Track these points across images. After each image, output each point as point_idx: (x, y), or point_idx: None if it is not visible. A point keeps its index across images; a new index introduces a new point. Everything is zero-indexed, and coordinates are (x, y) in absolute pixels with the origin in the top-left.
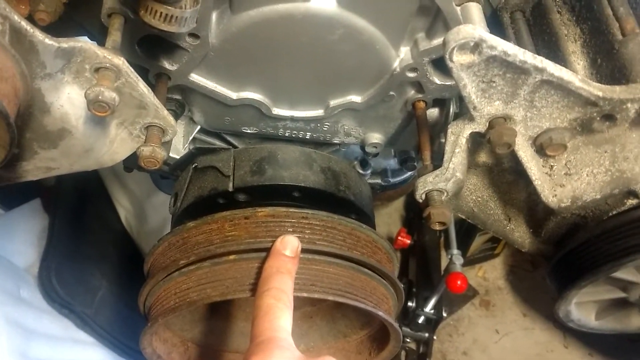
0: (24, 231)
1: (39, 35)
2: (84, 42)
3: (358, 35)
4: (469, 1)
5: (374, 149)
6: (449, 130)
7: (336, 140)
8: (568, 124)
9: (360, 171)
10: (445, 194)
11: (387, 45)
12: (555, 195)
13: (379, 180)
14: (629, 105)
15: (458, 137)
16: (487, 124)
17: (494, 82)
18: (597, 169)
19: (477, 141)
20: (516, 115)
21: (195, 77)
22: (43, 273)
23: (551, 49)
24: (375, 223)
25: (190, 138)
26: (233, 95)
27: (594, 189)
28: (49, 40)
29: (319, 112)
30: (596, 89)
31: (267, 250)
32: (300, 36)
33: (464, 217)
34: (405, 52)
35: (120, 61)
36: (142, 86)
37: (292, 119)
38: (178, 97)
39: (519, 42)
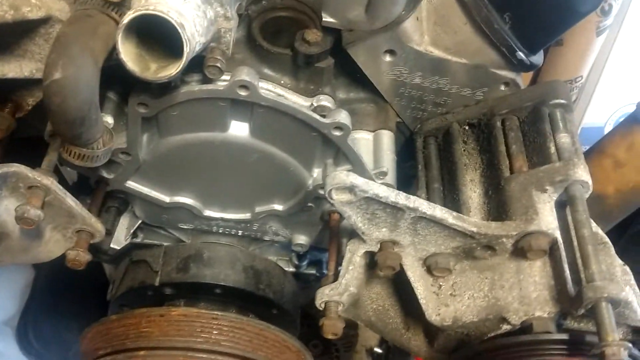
0: (9, 285)
1: None
2: (16, 167)
3: (271, 159)
4: (382, 128)
5: (300, 249)
6: (347, 247)
7: (266, 238)
8: (452, 251)
9: (296, 262)
10: (342, 305)
11: (299, 168)
12: (439, 314)
13: (314, 272)
14: (504, 240)
15: (353, 255)
16: (378, 246)
17: (376, 214)
18: (477, 294)
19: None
20: (403, 240)
21: (131, 184)
22: (21, 327)
23: (452, 175)
24: (298, 318)
25: (132, 230)
26: (166, 199)
27: (472, 313)
28: None
29: (246, 215)
30: (471, 225)
31: (174, 348)
32: (221, 158)
33: (362, 324)
34: (318, 172)
35: (49, 181)
36: (70, 200)
37: (223, 219)
38: (122, 195)
39: (427, 167)
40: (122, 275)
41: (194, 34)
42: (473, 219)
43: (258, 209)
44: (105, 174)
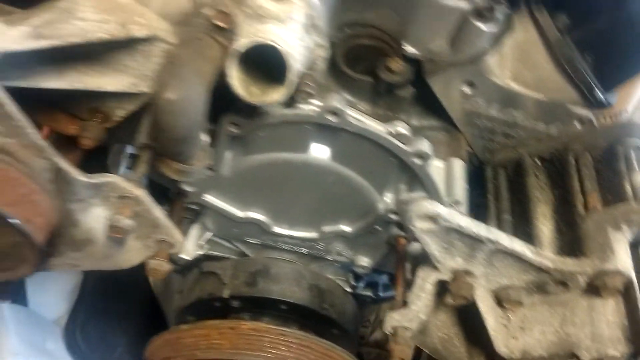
0: (59, 285)
1: (74, 173)
2: (111, 177)
3: (347, 182)
4: (454, 156)
5: (362, 270)
6: (418, 274)
7: (329, 258)
8: (524, 284)
9: (353, 283)
10: (410, 331)
11: (372, 191)
12: (508, 346)
13: (370, 294)
14: (578, 276)
15: (424, 282)
16: (451, 275)
17: (453, 243)
18: (548, 328)
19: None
20: (476, 271)
21: (209, 197)
22: (69, 327)
23: (524, 208)
24: (357, 339)
25: (202, 242)
26: (239, 214)
27: (542, 347)
28: (81, 177)
29: (313, 234)
30: (547, 261)
31: None
32: (299, 177)
33: (427, 351)
34: (390, 197)
35: (141, 193)
36: (157, 212)
37: (290, 237)
38: (195, 207)
39: (497, 197)
40: (191, 285)
41: (297, 62)
42: (550, 255)
43: (326, 229)
44: (186, 187)
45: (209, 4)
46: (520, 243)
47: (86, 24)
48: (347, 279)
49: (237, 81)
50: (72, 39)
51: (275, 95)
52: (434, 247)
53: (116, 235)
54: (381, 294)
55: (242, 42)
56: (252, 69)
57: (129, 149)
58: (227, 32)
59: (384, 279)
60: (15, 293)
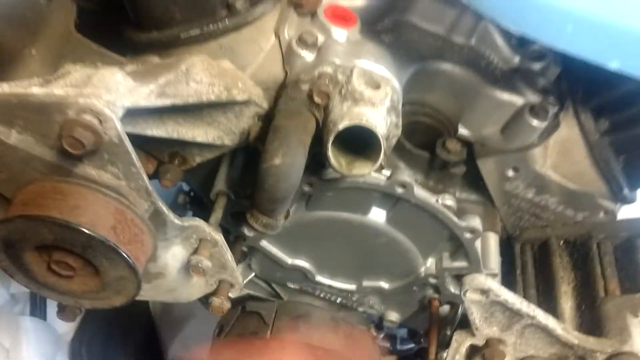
0: None
1: (171, 215)
2: (198, 221)
3: (397, 244)
4: (489, 230)
5: (390, 325)
6: (454, 337)
7: (360, 309)
8: (548, 356)
9: (375, 333)
10: None
11: (417, 255)
12: None
13: (388, 345)
14: (598, 355)
15: (460, 345)
16: (485, 341)
17: (494, 314)
18: None
19: (475, 349)
20: (508, 340)
21: (264, 243)
22: (75, 343)
23: (548, 284)
24: None
25: (245, 281)
26: (288, 260)
27: None
28: (176, 220)
29: (352, 286)
30: (573, 338)
31: None
32: (353, 235)
33: None
34: (431, 262)
35: (220, 237)
36: (229, 255)
37: (330, 287)
38: (244, 248)
39: (523, 272)
40: (232, 322)
41: (386, 143)
42: (576, 333)
43: (365, 283)
44: (246, 232)
45: (308, 81)
46: (554, 320)
47: (200, 86)
48: (369, 328)
49: (331, 153)
50: (190, 99)
51: (364, 170)
52: (476, 316)
53: (196, 274)
54: (398, 347)
55: (344, 121)
56: (339, 142)
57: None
58: (321, 108)
59: (402, 332)
60: (38, 305)
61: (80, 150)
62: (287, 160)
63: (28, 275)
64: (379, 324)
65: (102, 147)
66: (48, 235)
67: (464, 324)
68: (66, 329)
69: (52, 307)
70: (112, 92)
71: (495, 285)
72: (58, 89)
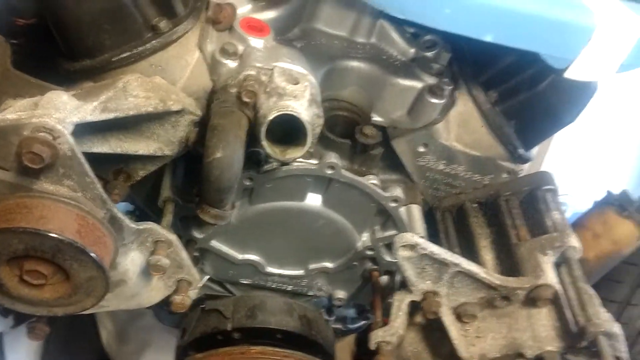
0: (26, 345)
1: (126, 221)
2: (152, 224)
3: (334, 224)
4: (412, 203)
5: (339, 302)
6: (395, 298)
7: (310, 293)
8: (478, 300)
9: (327, 317)
10: (391, 345)
11: (353, 232)
12: (468, 352)
13: (340, 326)
14: (519, 291)
15: (401, 303)
16: (422, 296)
17: (425, 269)
18: (498, 335)
19: (414, 306)
20: (442, 291)
21: (214, 243)
22: None
23: (469, 242)
24: None
25: (200, 285)
26: (239, 256)
27: (495, 350)
28: (132, 224)
29: (300, 272)
30: (495, 279)
31: None
32: (294, 222)
33: None
34: (366, 237)
35: (174, 237)
36: (185, 254)
37: (280, 275)
38: (196, 254)
39: (447, 235)
40: (193, 322)
41: (311, 128)
42: (497, 275)
43: (311, 266)
44: (196, 234)
45: (235, 85)
46: (476, 265)
47: (137, 100)
48: (320, 313)
49: (266, 143)
50: (130, 112)
51: (296, 154)
52: (410, 272)
53: (157, 273)
54: (350, 326)
55: (273, 112)
56: (270, 134)
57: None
58: (250, 106)
59: (351, 313)
60: None
61: (39, 164)
62: (228, 152)
63: (1, 290)
64: (329, 308)
65: (57, 162)
66: (19, 246)
67: (402, 287)
68: None
69: (10, 350)
70: (60, 110)
71: (421, 240)
72: (10, 114)
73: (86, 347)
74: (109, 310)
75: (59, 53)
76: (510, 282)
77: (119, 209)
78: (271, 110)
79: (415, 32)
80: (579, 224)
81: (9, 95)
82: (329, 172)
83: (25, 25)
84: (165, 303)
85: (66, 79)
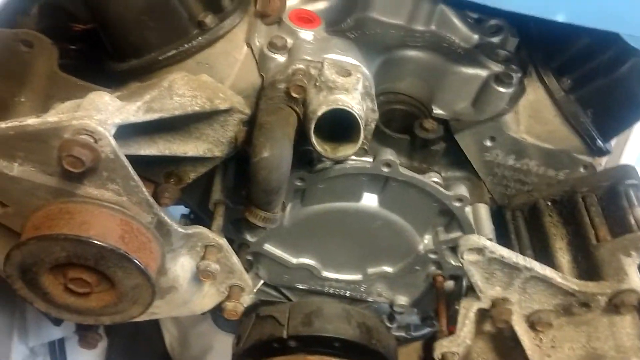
0: (88, 351)
1: (174, 225)
2: (201, 229)
3: (392, 226)
4: (478, 202)
5: (400, 309)
6: (461, 305)
7: (370, 299)
8: (553, 307)
9: (388, 324)
10: (457, 355)
11: (414, 234)
12: None
13: (403, 333)
14: (599, 297)
15: (468, 311)
16: (491, 303)
17: (494, 273)
18: (576, 345)
19: (483, 314)
20: (512, 297)
21: (267, 247)
22: None
23: (543, 244)
24: None
25: (255, 290)
26: (293, 260)
27: None
28: (180, 229)
29: (358, 276)
30: (573, 284)
31: None
32: (349, 224)
33: None
34: (428, 239)
35: (224, 241)
36: (235, 258)
37: (337, 280)
38: (249, 258)
39: (518, 237)
40: (249, 329)
41: (364, 123)
42: (574, 280)
43: (370, 271)
44: (249, 238)
45: (284, 80)
46: (551, 270)
47: (183, 99)
48: (382, 320)
49: (316, 140)
50: (176, 112)
51: (348, 151)
52: (477, 278)
53: (207, 279)
54: (413, 333)
55: (322, 107)
56: (320, 131)
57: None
58: (299, 102)
59: (414, 319)
60: (58, 355)
61: (80, 168)
62: (275, 152)
63: (47, 299)
64: (390, 314)
65: (100, 165)
66: (61, 253)
67: (470, 293)
68: None
69: (72, 357)
70: (102, 112)
71: (489, 243)
72: (52, 117)
73: (148, 352)
74: (165, 316)
75: (107, 54)
76: (590, 287)
77: (172, 214)
78: (321, 105)
79: (478, 17)
80: None
81: (57, 99)
82: (386, 170)
83: (82, 31)
84: (219, 309)
85: (114, 81)
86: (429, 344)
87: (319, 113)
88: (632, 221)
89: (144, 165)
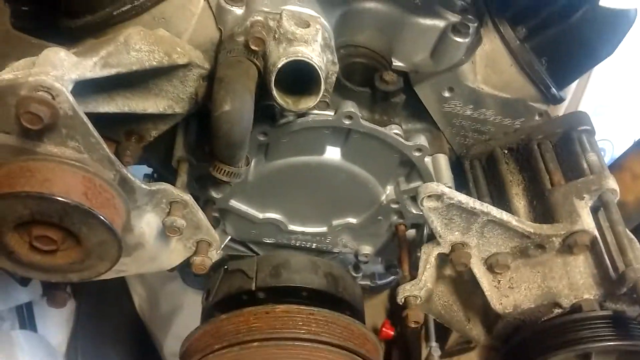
0: (56, 314)
1: (137, 181)
2: (165, 185)
3: (355, 178)
4: (438, 152)
5: (365, 258)
6: (422, 250)
7: (335, 250)
8: (510, 250)
9: (354, 274)
10: (419, 299)
11: (376, 185)
12: (501, 303)
13: (368, 282)
14: (553, 239)
15: (429, 256)
16: (450, 247)
17: (453, 219)
18: (532, 285)
19: (443, 259)
20: (471, 242)
21: (233, 202)
22: (71, 352)
23: (500, 190)
24: (365, 318)
25: (222, 246)
26: (259, 215)
27: (529, 300)
28: (143, 185)
29: (323, 229)
30: (528, 227)
31: (283, 338)
32: (314, 177)
33: (433, 317)
34: (390, 189)
35: (188, 197)
36: (201, 214)
37: (303, 233)
38: (216, 214)
39: (476, 184)
40: (217, 283)
41: (324, 74)
42: (530, 223)
43: (335, 222)
44: (214, 194)
45: (242, 32)
46: (507, 214)
47: (140, 54)
48: (348, 270)
49: (277, 93)
50: (133, 67)
51: (309, 103)
52: (437, 224)
53: (172, 234)
54: (378, 282)
55: (282, 59)
56: (281, 84)
57: None
58: (259, 55)
59: (379, 268)
60: (26, 319)
61: (38, 125)
62: (236, 105)
63: (13, 258)
64: (356, 264)
65: (59, 122)
66: (24, 211)
67: (430, 240)
68: (59, 340)
69: (40, 320)
70: (58, 68)
71: (447, 189)
72: (6, 74)
73: (118, 314)
74: (130, 275)
75: (60, 11)
76: (545, 229)
77: (135, 174)
78: (280, 58)
79: None
80: (616, 165)
81: (12, 59)
82: (347, 122)
83: None
84: (188, 266)
85: (69, 40)
86: (394, 295)
87: (279, 65)
88: (585, 165)
89: (104, 124)
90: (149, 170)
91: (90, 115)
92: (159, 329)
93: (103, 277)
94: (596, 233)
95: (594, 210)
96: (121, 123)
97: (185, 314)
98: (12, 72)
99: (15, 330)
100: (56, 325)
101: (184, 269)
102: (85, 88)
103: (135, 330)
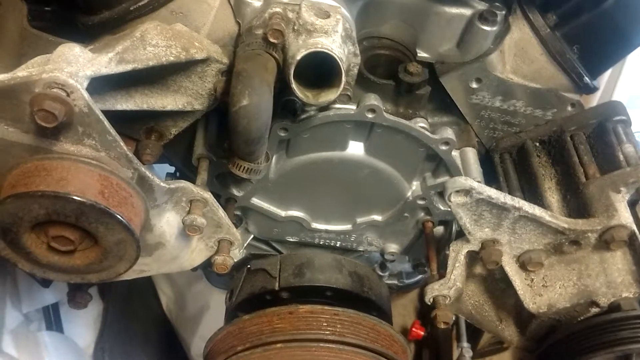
0: (83, 315)
1: (156, 179)
2: (184, 183)
3: (379, 173)
4: (466, 146)
5: (391, 257)
6: (451, 248)
7: (360, 248)
8: (543, 247)
9: (380, 273)
10: (449, 298)
11: (402, 180)
12: (535, 302)
13: (395, 281)
14: (589, 234)
15: (457, 254)
16: (480, 245)
17: (483, 215)
18: (567, 283)
19: (473, 257)
20: (502, 239)
21: (255, 200)
22: (98, 353)
23: (532, 184)
24: (392, 318)
25: (245, 245)
26: (282, 213)
27: (564, 299)
28: (162, 183)
29: (347, 226)
30: (563, 222)
31: (306, 340)
32: (336, 173)
33: (464, 317)
34: (416, 185)
35: (208, 195)
36: (221, 212)
37: (326, 231)
38: (238, 213)
39: (506, 179)
40: (240, 283)
41: (345, 66)
42: (564, 218)
43: (359, 220)
44: (235, 192)
45: (261, 25)
46: (540, 209)
47: (157, 49)
48: (374, 269)
49: (296, 86)
50: (150, 62)
51: (330, 96)
52: (466, 220)
53: (192, 233)
54: (405, 280)
55: (301, 51)
56: (301, 77)
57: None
58: (278, 48)
59: (406, 267)
60: (53, 320)
61: (53, 123)
62: (254, 100)
63: (30, 259)
64: (382, 263)
65: (75, 119)
66: (40, 211)
67: (459, 237)
68: (87, 342)
69: (67, 321)
70: (72, 64)
71: (476, 184)
72: (21, 72)
73: (145, 315)
74: (157, 275)
75: (77, 8)
76: (580, 224)
77: (156, 172)
78: (300, 50)
79: None
80: None
81: (29, 57)
82: (370, 115)
83: None
84: (210, 265)
85: (86, 36)
86: (423, 294)
87: (298, 57)
88: (621, 157)
89: (123, 122)
90: (171, 169)
91: (108, 113)
92: (186, 330)
93: (124, 277)
94: (634, 228)
95: (632, 204)
96: (140, 121)
97: (212, 314)
98: (27, 70)
99: (42, 331)
100: (83, 326)
101: (208, 269)
102: (103, 85)
103: (163, 331)
